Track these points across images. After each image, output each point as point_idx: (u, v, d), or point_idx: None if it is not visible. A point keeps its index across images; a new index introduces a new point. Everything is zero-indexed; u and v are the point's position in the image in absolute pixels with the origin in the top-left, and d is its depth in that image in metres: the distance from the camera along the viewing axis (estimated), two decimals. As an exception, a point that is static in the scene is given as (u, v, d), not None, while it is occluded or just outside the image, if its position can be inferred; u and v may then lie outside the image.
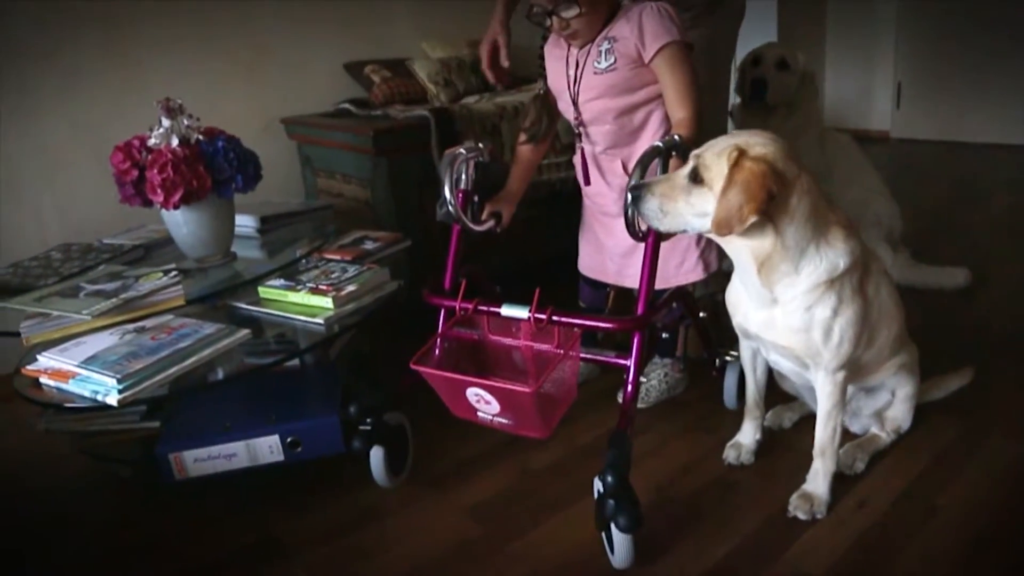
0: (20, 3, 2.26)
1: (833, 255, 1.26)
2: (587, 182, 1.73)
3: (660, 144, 1.37)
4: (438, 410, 1.44)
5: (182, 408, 1.64)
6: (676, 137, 1.40)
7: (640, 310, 1.41)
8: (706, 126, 1.52)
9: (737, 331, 1.49)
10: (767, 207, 1.17)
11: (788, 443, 1.68)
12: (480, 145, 1.63)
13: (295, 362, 1.77)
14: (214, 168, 1.74)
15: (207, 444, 1.48)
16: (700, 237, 1.67)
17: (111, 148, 2.39)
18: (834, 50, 4.93)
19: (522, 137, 1.75)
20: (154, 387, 1.33)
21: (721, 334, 1.81)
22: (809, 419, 1.72)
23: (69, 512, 1.68)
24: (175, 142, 1.72)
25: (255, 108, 2.72)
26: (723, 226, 1.19)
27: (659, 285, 1.60)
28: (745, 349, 1.56)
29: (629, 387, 1.41)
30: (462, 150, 1.60)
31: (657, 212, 1.26)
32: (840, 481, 1.48)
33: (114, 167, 1.75)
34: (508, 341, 1.49)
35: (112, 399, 1.29)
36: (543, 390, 1.25)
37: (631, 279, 1.73)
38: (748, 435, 1.62)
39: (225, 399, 1.64)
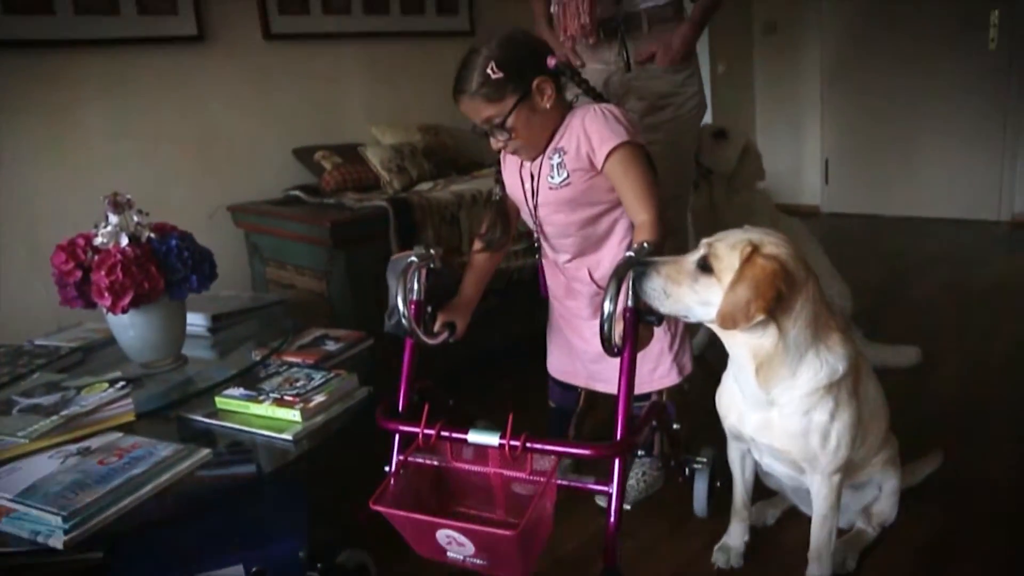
0: (-50, 91, 2.14)
1: (833, 360, 1.26)
2: (545, 295, 1.71)
3: (632, 254, 1.31)
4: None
5: (126, 539, 1.48)
6: (645, 245, 1.34)
7: (620, 434, 1.32)
8: (670, 221, 1.52)
9: (729, 433, 1.46)
10: (774, 306, 1.16)
11: (774, 540, 1.64)
12: (431, 251, 1.53)
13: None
14: (167, 268, 1.64)
15: (162, 579, 1.33)
16: (673, 341, 1.65)
17: (43, 244, 2.28)
18: (764, 129, 5.16)
19: (478, 244, 1.69)
20: (104, 522, 1.19)
21: (687, 434, 1.78)
22: (792, 513, 1.70)
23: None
24: (124, 241, 1.62)
25: (202, 195, 2.63)
26: (727, 319, 1.18)
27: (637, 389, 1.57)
28: (734, 451, 1.53)
29: (612, 516, 1.30)
30: (413, 257, 1.50)
31: (660, 293, 1.24)
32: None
33: (55, 268, 1.64)
34: (475, 468, 1.35)
35: (56, 541, 1.14)
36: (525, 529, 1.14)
37: (603, 384, 1.70)
38: (736, 537, 1.58)
39: (176, 526, 1.49)
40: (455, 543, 1.20)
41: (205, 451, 1.37)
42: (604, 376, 1.68)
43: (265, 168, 2.81)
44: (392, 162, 2.76)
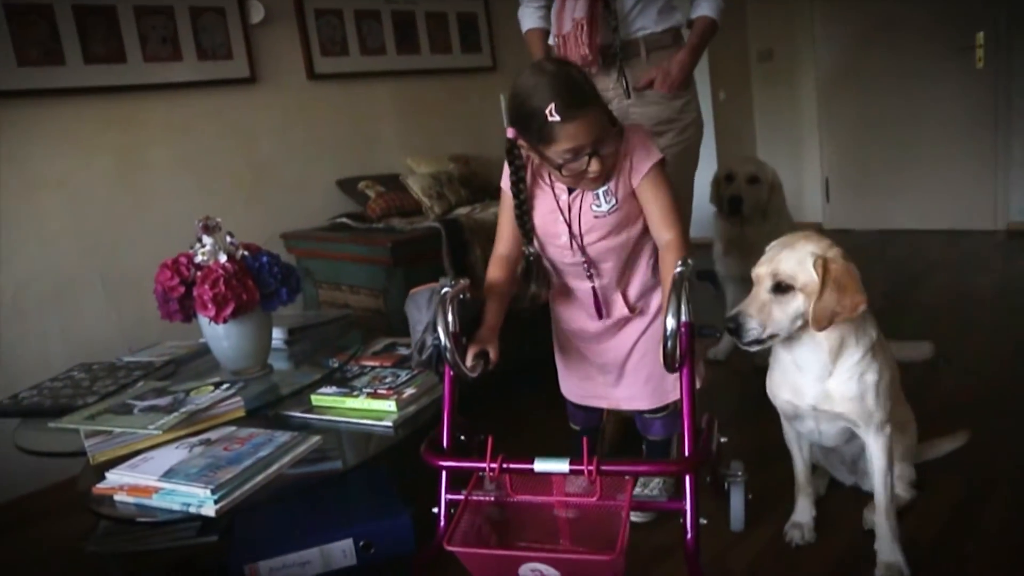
0: (36, 133, 2.33)
1: (869, 327, 1.47)
2: (600, 316, 1.63)
3: (684, 269, 1.34)
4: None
5: (241, 521, 1.63)
6: (690, 262, 1.36)
7: (688, 450, 1.31)
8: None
9: (782, 413, 1.62)
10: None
11: (830, 511, 1.76)
12: (461, 281, 1.44)
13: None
14: (260, 282, 1.81)
15: (281, 553, 1.49)
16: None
17: (116, 270, 2.47)
18: (765, 150, 5.39)
19: (525, 293, 1.61)
20: (243, 495, 1.35)
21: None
22: (833, 484, 1.85)
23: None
24: (223, 258, 1.79)
25: (255, 224, 2.80)
26: (824, 320, 1.36)
27: (659, 402, 1.67)
28: (790, 431, 1.68)
29: (689, 533, 1.27)
30: (446, 288, 1.40)
31: (759, 329, 1.39)
32: (872, 538, 1.57)
33: (159, 284, 1.80)
34: (541, 499, 1.30)
35: (208, 510, 1.30)
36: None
37: (627, 401, 1.70)
38: (804, 512, 1.70)
39: (286, 509, 1.65)
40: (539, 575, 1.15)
41: (316, 438, 1.54)
42: (627, 394, 1.69)
43: (312, 198, 3.01)
44: (432, 189, 2.96)
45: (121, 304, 2.47)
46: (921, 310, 3.31)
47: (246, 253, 1.84)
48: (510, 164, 1.52)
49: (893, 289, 3.67)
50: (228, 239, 1.85)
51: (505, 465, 1.25)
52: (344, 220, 2.84)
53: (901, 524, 1.65)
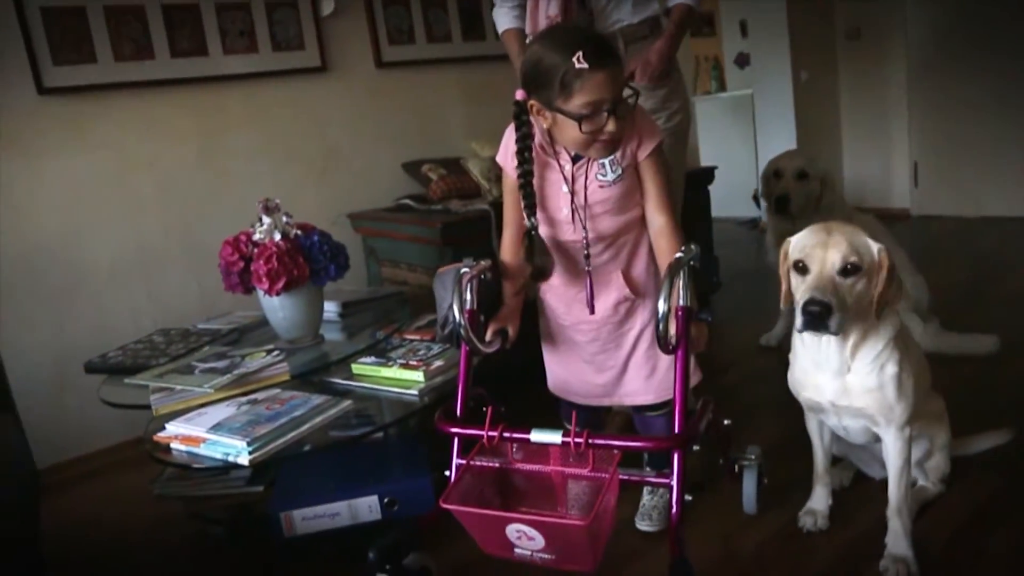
0: (130, 120, 2.59)
1: (891, 318, 1.46)
2: (592, 311, 1.59)
3: (683, 256, 1.35)
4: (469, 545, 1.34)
5: (284, 474, 1.81)
6: (693, 247, 1.38)
7: (678, 427, 1.35)
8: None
9: (805, 405, 1.63)
10: None
11: (851, 503, 1.77)
12: (481, 262, 1.51)
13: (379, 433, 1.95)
14: (311, 259, 1.97)
15: (314, 504, 1.65)
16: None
17: (197, 245, 2.70)
18: (850, 133, 5.21)
19: (530, 271, 1.54)
20: (276, 449, 1.52)
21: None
22: (860, 477, 1.85)
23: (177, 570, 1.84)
24: (277, 236, 1.96)
25: (325, 204, 2.99)
26: (882, 305, 1.39)
27: (663, 396, 1.61)
28: (812, 421, 1.69)
29: (675, 507, 1.33)
30: (465, 268, 1.47)
31: (840, 321, 1.35)
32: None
33: (222, 259, 1.99)
34: (538, 468, 1.38)
35: (243, 459, 1.47)
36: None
37: (630, 396, 1.67)
38: (820, 501, 1.71)
39: (323, 466, 1.81)
40: (524, 537, 1.22)
41: (347, 402, 1.69)
42: (630, 388, 1.66)
43: (378, 180, 3.17)
44: (491, 172, 3.06)
45: (200, 276, 2.71)
46: (1005, 303, 3.16)
47: (299, 232, 2.00)
48: (518, 129, 1.47)
49: (977, 279, 3.51)
50: (284, 219, 2.01)
51: (505, 434, 1.34)
52: (407, 201, 2.99)
53: (922, 518, 1.66)
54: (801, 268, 1.41)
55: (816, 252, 1.38)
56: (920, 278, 2.67)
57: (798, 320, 1.38)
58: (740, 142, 5.37)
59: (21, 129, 2.41)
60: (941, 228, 4.67)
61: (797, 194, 2.60)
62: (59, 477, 2.43)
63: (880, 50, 4.91)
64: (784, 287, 1.48)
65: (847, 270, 1.37)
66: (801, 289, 1.40)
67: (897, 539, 1.53)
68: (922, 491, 1.73)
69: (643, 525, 1.75)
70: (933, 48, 4.63)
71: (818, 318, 1.33)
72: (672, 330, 1.34)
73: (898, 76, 4.85)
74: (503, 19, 2.15)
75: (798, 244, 1.44)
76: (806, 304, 1.35)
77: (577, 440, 1.28)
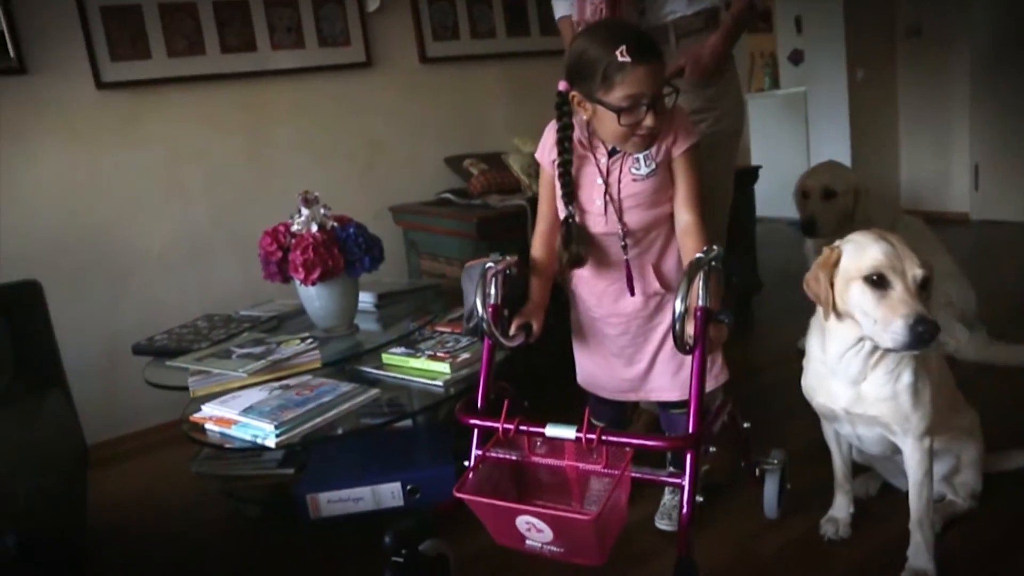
0: (182, 114, 2.69)
1: None
2: (633, 293, 1.62)
3: (703, 257, 1.35)
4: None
5: (314, 458, 1.87)
6: (716, 248, 1.37)
7: (692, 428, 1.33)
8: (709, 229, 1.53)
9: (819, 412, 1.60)
10: None
11: (877, 513, 1.74)
12: (507, 257, 1.54)
13: (409, 422, 1.99)
14: (346, 251, 2.02)
15: (339, 488, 1.70)
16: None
17: (243, 235, 2.78)
18: (908, 134, 5.06)
19: (566, 258, 1.58)
20: (303, 434, 1.57)
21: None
22: (887, 488, 1.82)
23: (210, 545, 1.92)
24: (314, 228, 2.02)
25: (368, 197, 3.05)
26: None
27: (688, 394, 1.55)
28: (828, 428, 1.67)
29: (685, 507, 1.32)
30: (490, 263, 1.51)
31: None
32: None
33: (262, 249, 2.06)
34: (552, 462, 1.41)
35: (270, 442, 1.53)
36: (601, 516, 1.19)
37: (656, 392, 1.69)
38: (841, 509, 1.69)
39: (351, 452, 1.86)
40: (534, 529, 1.24)
41: (374, 390, 1.74)
42: (657, 384, 1.68)
43: (421, 174, 3.22)
44: (531, 168, 3.07)
45: (245, 264, 2.80)
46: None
47: (335, 224, 2.05)
48: (559, 119, 1.52)
49: (1026, 289, 3.39)
50: (322, 211, 2.07)
51: (521, 427, 1.36)
52: (448, 196, 3.03)
53: (949, 534, 1.61)
54: (877, 281, 1.32)
55: (895, 265, 1.31)
56: (967, 287, 2.59)
57: (902, 338, 1.28)
58: (792, 141, 5.26)
59: (82, 121, 2.53)
60: (1001, 234, 4.50)
61: (825, 215, 2.51)
62: (110, 452, 2.55)
63: (942, 48, 4.75)
64: (824, 295, 1.41)
65: (925, 283, 1.32)
66: (887, 305, 1.31)
67: (919, 552, 1.49)
68: (950, 506, 1.69)
69: (662, 524, 1.76)
70: (999, 47, 4.46)
71: (922, 336, 1.26)
72: (689, 330, 1.35)
73: (961, 76, 4.68)
74: (559, 5, 2.14)
75: (868, 255, 1.35)
76: (915, 324, 1.26)
77: (590, 436, 1.30)
